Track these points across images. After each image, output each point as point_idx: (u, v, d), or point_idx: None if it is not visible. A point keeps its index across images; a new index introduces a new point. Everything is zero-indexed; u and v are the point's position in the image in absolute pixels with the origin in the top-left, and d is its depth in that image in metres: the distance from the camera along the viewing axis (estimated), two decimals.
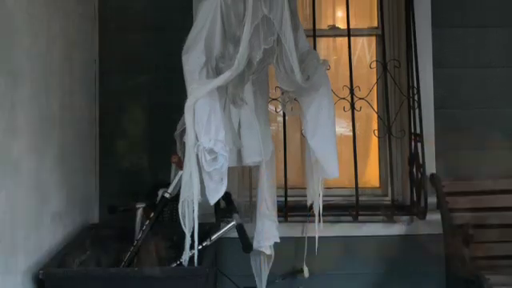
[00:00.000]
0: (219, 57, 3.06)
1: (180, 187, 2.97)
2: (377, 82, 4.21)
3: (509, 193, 4.00)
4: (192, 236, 2.94)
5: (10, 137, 2.79)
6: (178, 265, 3.16)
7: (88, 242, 3.47)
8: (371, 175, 4.42)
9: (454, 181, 4.07)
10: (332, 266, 4.03)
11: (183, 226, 2.91)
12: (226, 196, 3.47)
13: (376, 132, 4.25)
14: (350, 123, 4.04)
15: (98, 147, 4.11)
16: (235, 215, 3.44)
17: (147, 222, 3.39)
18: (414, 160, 4.00)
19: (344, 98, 4.02)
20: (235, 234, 3.38)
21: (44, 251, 3.12)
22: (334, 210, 4.00)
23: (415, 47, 4.01)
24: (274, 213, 3.58)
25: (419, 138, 3.95)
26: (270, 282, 3.76)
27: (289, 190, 4.05)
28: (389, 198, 4.20)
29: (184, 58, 3.02)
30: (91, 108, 4.04)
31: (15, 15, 2.84)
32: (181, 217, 2.90)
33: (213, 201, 2.91)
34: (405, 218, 4.11)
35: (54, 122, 3.33)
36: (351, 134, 4.03)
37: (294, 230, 4.00)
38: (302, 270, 4.00)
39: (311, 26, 4.05)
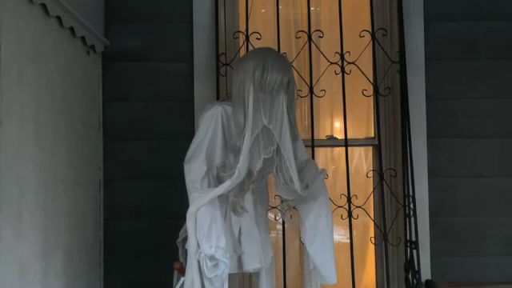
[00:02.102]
0: (220, 166, 3.11)
1: None
2: (373, 191, 4.27)
3: None
4: None
5: (17, 242, 2.84)
6: None
7: None
8: (368, 281, 4.42)
9: (450, 287, 4.09)
10: None
11: None
12: None
13: (373, 239, 4.28)
14: (348, 231, 4.06)
15: (102, 253, 4.16)
16: None
17: None
18: (410, 267, 4.02)
19: (342, 207, 4.06)
20: None
21: None
22: None
23: (411, 157, 4.09)
24: None
25: (414, 245, 3.99)
26: None
27: None
28: None
29: (186, 168, 3.09)
30: (96, 214, 4.10)
31: (23, 125, 2.92)
32: None
33: None
34: None
35: (59, 228, 3.38)
36: (348, 241, 4.05)
37: None
38: None
39: (310, 137, 4.13)
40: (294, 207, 3.43)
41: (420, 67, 4.30)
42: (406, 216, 4.09)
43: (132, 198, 4.22)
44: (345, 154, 4.12)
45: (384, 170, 4.17)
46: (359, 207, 4.12)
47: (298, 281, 4.29)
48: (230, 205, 3.11)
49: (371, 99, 4.28)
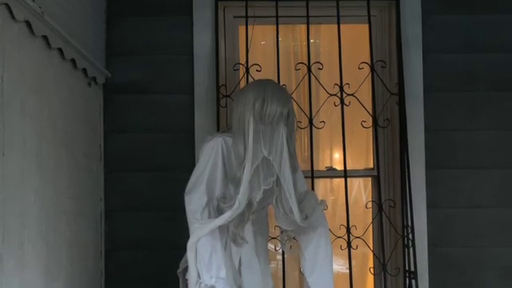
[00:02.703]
0: (220, 197, 3.14)
1: None
2: (372, 222, 4.28)
3: None
4: None
5: (20, 273, 2.84)
6: None
7: None
8: None
9: None
10: None
11: None
12: None
13: (372, 269, 4.29)
14: (347, 261, 4.07)
15: (103, 283, 4.17)
16: None
17: None
18: None
19: (341, 237, 4.07)
20: None
21: None
22: None
23: (409, 188, 4.10)
24: None
25: (413, 275, 4.00)
26: None
27: None
28: None
29: (187, 199, 3.12)
30: (97, 245, 4.11)
31: (25, 157, 2.94)
32: None
33: None
34: None
35: (61, 259, 3.39)
36: (348, 271, 4.05)
37: None
38: None
39: (309, 168, 4.14)
40: (293, 238, 3.44)
41: (419, 99, 4.32)
42: (405, 246, 4.11)
43: (133, 229, 4.24)
44: (344, 185, 4.14)
45: (383, 200, 4.20)
46: (358, 238, 4.13)
47: None
48: (230, 235, 3.12)
49: (370, 131, 4.30)
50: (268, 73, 4.17)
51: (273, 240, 3.98)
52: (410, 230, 4.08)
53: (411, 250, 4.05)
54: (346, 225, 4.09)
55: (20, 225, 2.86)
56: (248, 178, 3.06)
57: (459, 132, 4.33)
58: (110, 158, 4.28)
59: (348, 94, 4.19)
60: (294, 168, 3.20)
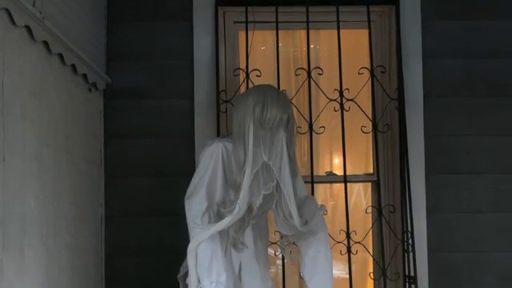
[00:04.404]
0: (220, 202, 3.16)
1: None
2: (372, 227, 4.28)
3: None
4: None
5: (20, 278, 2.85)
6: None
7: None
8: None
9: None
10: None
11: None
12: None
13: (371, 274, 4.29)
14: (347, 266, 4.07)
15: None
16: None
17: None
18: None
19: (341, 242, 4.08)
20: None
21: None
22: None
23: (409, 193, 4.11)
24: None
25: (413, 280, 4.00)
26: None
27: None
28: None
29: (187, 204, 3.13)
30: (97, 250, 4.11)
31: (25, 162, 2.94)
32: None
33: None
34: None
35: (62, 265, 3.39)
36: (348, 276, 4.06)
37: None
38: None
39: (309, 173, 4.15)
40: (293, 243, 3.45)
41: (418, 104, 4.32)
42: (405, 251, 4.11)
43: (133, 234, 4.24)
44: (344, 190, 4.15)
45: (383, 205, 4.21)
46: (358, 243, 4.14)
47: None
48: (230, 240, 3.14)
49: (370, 136, 4.30)
50: (268, 78, 4.18)
51: (273, 245, 3.97)
52: (409, 235, 4.09)
53: (411, 254, 4.06)
54: (345, 230, 4.10)
55: (20, 229, 2.86)
56: (248, 183, 3.07)
57: (459, 137, 4.33)
58: (110, 163, 4.28)
59: (348, 100, 4.20)
60: (293, 173, 3.22)
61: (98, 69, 4.06)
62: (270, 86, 3.35)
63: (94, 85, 4.04)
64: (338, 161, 4.53)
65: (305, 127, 4.23)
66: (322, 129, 4.23)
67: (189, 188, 3.18)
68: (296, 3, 4.27)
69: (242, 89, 4.15)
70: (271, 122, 3.12)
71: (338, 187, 4.50)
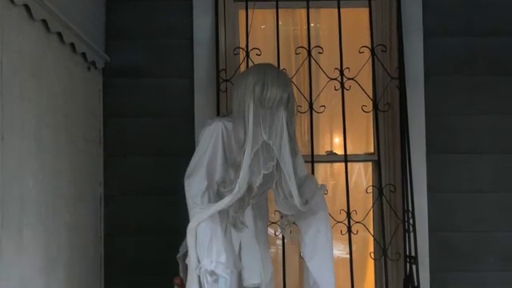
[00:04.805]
0: (220, 182, 3.15)
1: None
2: (373, 207, 4.27)
3: None
4: None
5: (19, 258, 2.85)
6: None
7: None
8: None
9: None
10: None
11: None
12: None
13: (372, 254, 4.29)
14: (347, 246, 4.07)
15: (102, 270, 4.17)
16: None
17: None
18: (409, 281, 4.02)
19: (341, 222, 4.07)
20: None
21: None
22: None
23: (410, 173, 4.09)
24: None
25: (414, 260, 3.99)
26: None
27: None
28: None
29: (186, 183, 3.12)
30: (97, 229, 4.11)
31: (24, 141, 2.93)
32: None
33: None
34: None
35: (61, 244, 3.39)
36: (348, 256, 4.05)
37: None
38: None
39: (309, 152, 4.14)
40: (293, 222, 3.45)
41: (419, 83, 4.31)
42: (406, 231, 4.10)
43: (132, 213, 4.23)
44: (344, 170, 4.13)
45: (383, 185, 4.19)
46: (359, 222, 4.13)
47: None
48: (230, 220, 3.13)
49: (371, 115, 4.28)
50: (268, 57, 4.15)
51: (273, 225, 3.95)
52: (410, 215, 4.07)
53: (412, 234, 4.04)
54: (346, 209, 4.09)
55: (19, 209, 2.86)
56: (248, 162, 3.07)
57: (460, 116, 4.32)
58: (109, 142, 4.27)
59: (348, 78, 4.18)
60: (293, 152, 3.21)
61: (97, 47, 4.04)
62: (270, 65, 3.34)
63: (93, 63, 4.02)
64: (338, 140, 4.52)
65: (305, 106, 4.20)
66: (322, 108, 4.21)
67: (188, 167, 3.17)
68: None
69: (242, 68, 4.13)
70: (271, 101, 3.11)
71: (339, 166, 4.48)
